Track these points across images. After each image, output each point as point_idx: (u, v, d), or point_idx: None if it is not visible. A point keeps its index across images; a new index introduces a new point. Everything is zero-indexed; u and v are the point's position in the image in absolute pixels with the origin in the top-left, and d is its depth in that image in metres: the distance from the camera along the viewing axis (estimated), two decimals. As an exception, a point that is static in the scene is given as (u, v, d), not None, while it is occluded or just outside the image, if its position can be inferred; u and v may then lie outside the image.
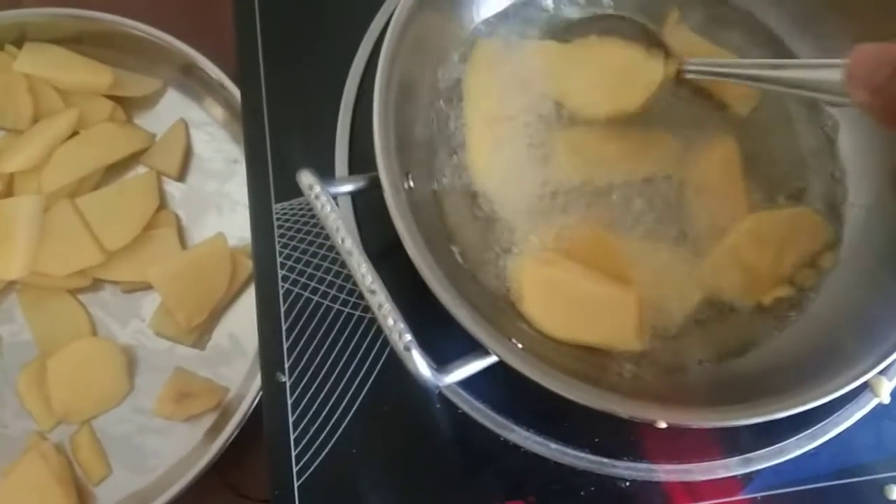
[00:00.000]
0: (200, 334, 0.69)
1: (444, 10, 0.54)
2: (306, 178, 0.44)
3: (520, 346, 0.46)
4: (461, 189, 0.54)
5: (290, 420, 0.54)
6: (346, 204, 0.57)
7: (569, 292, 0.51)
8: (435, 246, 0.50)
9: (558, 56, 0.57)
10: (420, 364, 0.39)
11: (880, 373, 0.52)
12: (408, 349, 0.39)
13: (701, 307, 0.51)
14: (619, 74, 0.56)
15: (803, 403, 0.42)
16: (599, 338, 0.51)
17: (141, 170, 0.73)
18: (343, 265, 0.56)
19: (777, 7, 0.58)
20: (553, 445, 0.52)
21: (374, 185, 0.46)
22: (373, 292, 0.41)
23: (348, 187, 0.47)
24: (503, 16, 0.58)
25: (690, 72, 0.52)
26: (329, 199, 0.43)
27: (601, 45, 0.57)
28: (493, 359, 0.43)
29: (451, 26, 0.56)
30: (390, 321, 0.40)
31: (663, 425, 0.42)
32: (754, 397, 0.43)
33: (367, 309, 0.55)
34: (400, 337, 0.40)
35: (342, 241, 0.42)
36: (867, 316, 0.47)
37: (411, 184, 0.50)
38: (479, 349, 0.43)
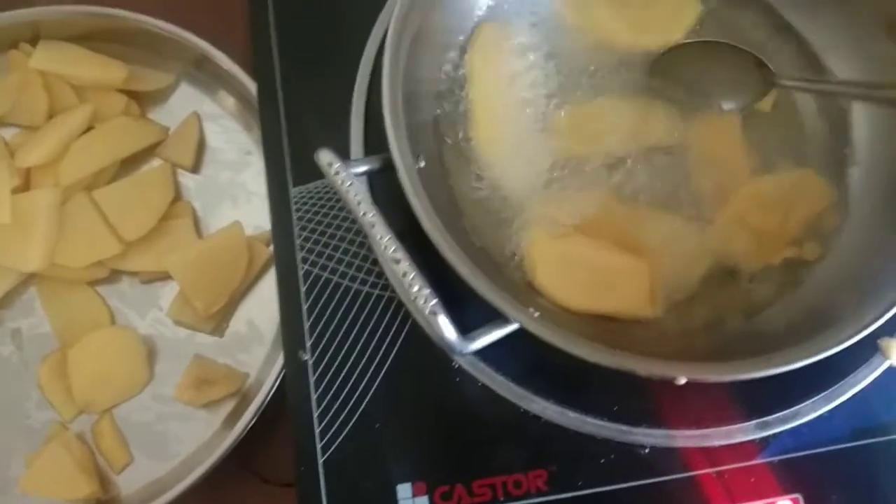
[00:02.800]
0: (219, 322, 0.69)
1: None
2: (325, 157, 0.45)
3: (537, 314, 0.48)
4: (470, 167, 0.56)
5: (314, 397, 0.55)
6: (363, 186, 0.58)
7: (581, 264, 0.52)
8: (448, 225, 0.52)
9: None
10: (447, 328, 0.40)
11: (892, 335, 0.53)
12: (434, 313, 0.40)
13: (711, 272, 0.53)
14: (657, 11, 0.59)
15: (807, 356, 0.44)
16: (614, 307, 0.52)
17: (156, 162, 0.74)
18: (361, 245, 0.57)
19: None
20: (572, 414, 0.53)
21: (389, 166, 0.47)
22: (397, 261, 0.42)
23: (364, 167, 0.48)
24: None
25: (786, 86, 0.54)
26: (349, 174, 0.45)
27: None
28: (514, 326, 0.44)
29: (455, 9, 0.58)
30: (416, 287, 0.41)
31: (683, 380, 0.43)
32: (767, 354, 0.44)
33: (385, 287, 0.56)
34: (426, 301, 0.41)
35: (364, 214, 0.43)
36: (871, 273, 0.48)
37: (422, 164, 0.52)
38: (498, 318, 0.44)
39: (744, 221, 0.53)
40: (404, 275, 0.41)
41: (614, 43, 0.58)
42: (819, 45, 0.58)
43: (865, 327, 0.45)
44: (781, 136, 0.56)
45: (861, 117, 0.55)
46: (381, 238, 0.43)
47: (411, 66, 0.52)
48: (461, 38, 0.58)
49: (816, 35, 0.58)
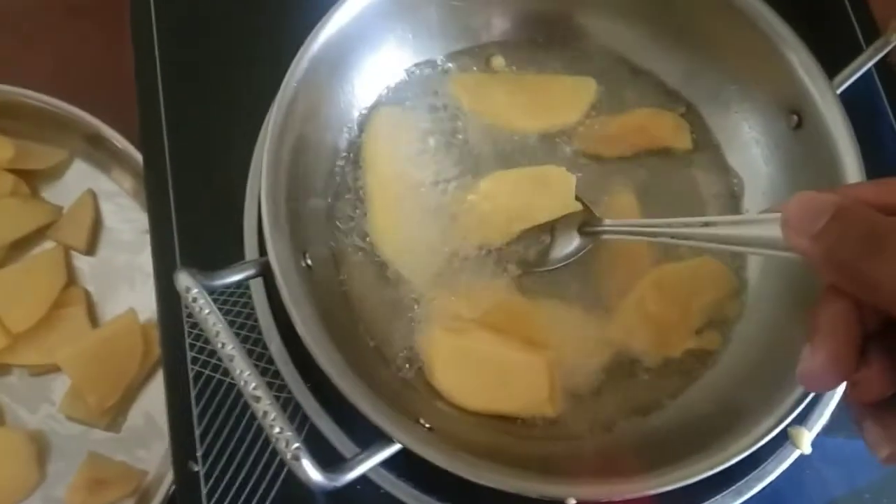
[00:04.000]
0: (114, 416, 0.66)
1: (334, 84, 0.53)
2: (183, 280, 0.42)
3: (427, 426, 0.45)
4: (366, 261, 0.53)
5: (206, 510, 0.51)
6: (260, 284, 0.55)
7: (479, 361, 0.50)
8: (340, 326, 0.49)
9: (485, 84, 0.57)
10: (311, 471, 0.38)
11: (800, 423, 0.53)
12: (296, 458, 0.38)
13: (611, 365, 0.51)
14: (552, 94, 0.57)
15: (711, 468, 0.42)
16: (513, 406, 0.50)
17: (48, 245, 0.71)
18: (255, 344, 0.54)
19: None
20: (482, 522, 0.51)
21: (266, 270, 0.44)
22: (257, 399, 0.39)
23: (236, 277, 0.45)
24: (401, 83, 0.58)
25: (608, 232, 0.51)
26: (207, 301, 0.41)
27: (528, 76, 0.58)
28: (396, 447, 0.41)
29: (344, 97, 0.55)
30: (276, 429, 0.38)
31: (572, 502, 0.41)
32: (666, 460, 0.43)
33: (281, 388, 0.53)
34: (287, 445, 0.38)
35: (222, 347, 0.40)
36: (772, 367, 0.47)
37: (309, 262, 0.49)
38: (384, 437, 0.42)
39: (645, 311, 0.51)
40: (265, 415, 0.38)
41: (512, 127, 0.56)
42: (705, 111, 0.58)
43: (771, 428, 0.43)
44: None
45: (757, 209, 0.55)
46: (240, 373, 0.40)
47: (300, 156, 0.50)
48: (353, 126, 0.56)
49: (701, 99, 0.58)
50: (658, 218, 0.47)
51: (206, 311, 0.40)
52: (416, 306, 0.52)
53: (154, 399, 0.66)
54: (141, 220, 0.71)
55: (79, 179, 0.72)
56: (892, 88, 0.62)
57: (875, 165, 0.49)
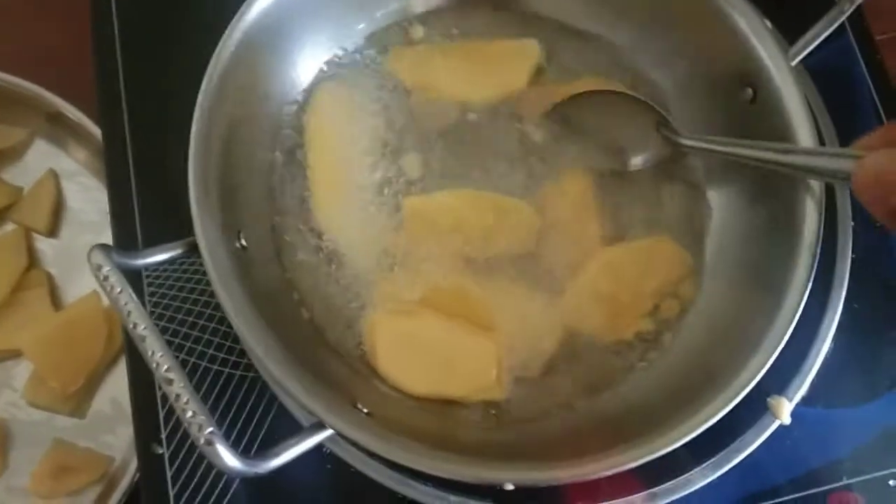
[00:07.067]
0: (79, 401, 0.64)
1: (270, 58, 0.51)
2: (95, 258, 0.40)
3: (365, 411, 0.44)
4: (308, 243, 0.52)
5: (171, 494, 0.50)
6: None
7: (424, 345, 0.49)
8: (278, 309, 0.48)
9: (424, 57, 0.55)
10: (226, 457, 0.36)
11: (779, 393, 0.52)
12: (209, 443, 0.36)
13: (562, 346, 0.50)
14: (494, 60, 0.55)
15: (653, 451, 0.41)
16: (458, 390, 0.49)
17: (8, 227, 0.68)
18: (221, 321, 0.53)
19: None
20: (454, 498, 0.49)
21: (193, 250, 0.43)
22: (169, 382, 0.38)
23: (162, 256, 0.44)
24: (342, 60, 0.56)
25: (689, 147, 0.50)
26: (119, 279, 0.40)
27: (468, 44, 0.56)
28: (328, 432, 0.40)
29: (284, 73, 0.53)
30: (189, 413, 0.37)
31: (510, 487, 0.41)
32: (617, 441, 0.42)
33: (248, 367, 0.52)
34: (200, 430, 0.37)
35: (133, 327, 0.39)
36: (728, 346, 0.46)
37: (244, 242, 0.47)
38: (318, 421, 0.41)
39: (595, 291, 0.50)
40: (178, 398, 0.37)
41: (456, 99, 0.54)
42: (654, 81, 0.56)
43: (704, 421, 0.41)
44: (636, 202, 0.53)
45: (717, 184, 0.53)
46: (152, 354, 0.38)
47: (235, 133, 0.48)
48: (294, 102, 0.54)
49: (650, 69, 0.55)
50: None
51: (118, 289, 0.39)
52: (359, 289, 0.51)
53: (119, 384, 0.64)
54: (104, 199, 0.67)
55: (39, 159, 0.70)
56: (869, 55, 0.61)
57: (852, 134, 0.48)
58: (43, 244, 0.68)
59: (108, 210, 0.66)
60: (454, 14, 0.57)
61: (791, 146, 0.46)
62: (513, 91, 0.55)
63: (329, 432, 0.40)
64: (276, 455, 0.38)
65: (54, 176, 0.69)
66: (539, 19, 0.57)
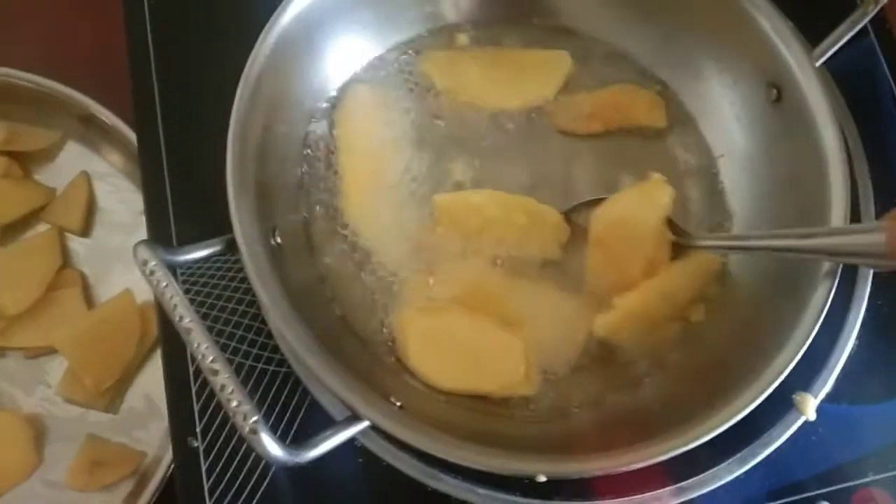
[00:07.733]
0: (112, 398, 0.65)
1: (304, 60, 0.53)
2: (141, 254, 0.42)
3: (398, 404, 0.45)
4: (339, 240, 0.53)
5: (206, 486, 0.51)
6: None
7: (454, 341, 0.50)
8: (312, 304, 0.49)
9: (457, 61, 0.56)
10: (270, 445, 0.37)
11: (805, 390, 0.52)
12: (254, 432, 0.37)
13: (591, 346, 0.51)
14: (526, 69, 0.56)
15: (682, 445, 0.42)
16: (488, 385, 0.50)
17: (41, 227, 0.70)
18: (255, 317, 0.54)
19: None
20: (481, 491, 0.50)
21: (231, 247, 0.44)
22: (215, 372, 0.39)
23: (202, 253, 0.45)
24: (375, 63, 0.57)
25: (703, 247, 0.50)
26: (165, 274, 0.41)
27: (501, 51, 0.57)
28: (365, 423, 0.41)
29: (317, 75, 0.55)
30: (234, 403, 0.38)
31: (542, 479, 0.41)
32: (646, 435, 0.43)
33: (282, 363, 0.53)
34: (245, 419, 0.38)
35: (179, 320, 0.40)
36: (754, 343, 0.47)
37: (279, 240, 0.48)
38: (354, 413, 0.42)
39: (646, 315, 0.50)
40: (223, 388, 0.38)
41: (487, 105, 0.55)
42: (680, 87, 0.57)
43: (732, 416, 0.42)
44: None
45: (735, 185, 0.54)
46: (198, 346, 0.39)
47: (270, 134, 0.49)
48: (326, 104, 0.55)
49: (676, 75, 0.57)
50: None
51: (164, 283, 0.41)
52: (390, 286, 0.52)
53: (152, 380, 0.66)
54: (136, 200, 0.70)
55: (72, 161, 0.72)
56: (891, 55, 0.61)
57: (874, 134, 0.49)
58: (76, 244, 0.70)
59: (139, 210, 0.68)
60: (486, 25, 0.59)
61: (812, 230, 0.46)
62: (542, 100, 0.56)
63: (363, 425, 0.41)
64: (315, 446, 0.39)
65: (87, 177, 0.71)
66: (568, 33, 0.58)
